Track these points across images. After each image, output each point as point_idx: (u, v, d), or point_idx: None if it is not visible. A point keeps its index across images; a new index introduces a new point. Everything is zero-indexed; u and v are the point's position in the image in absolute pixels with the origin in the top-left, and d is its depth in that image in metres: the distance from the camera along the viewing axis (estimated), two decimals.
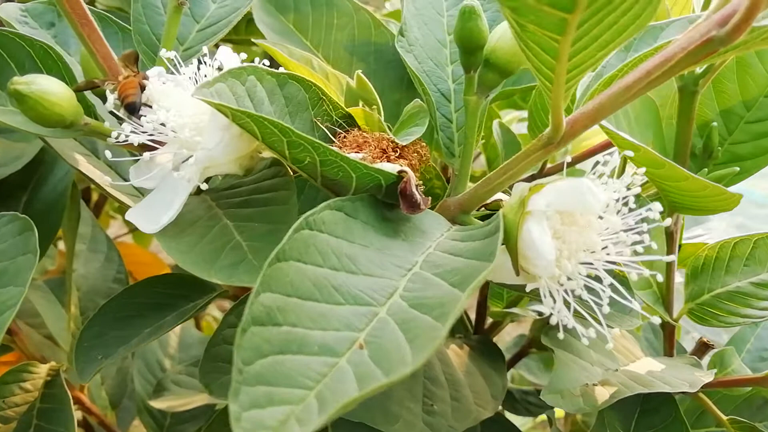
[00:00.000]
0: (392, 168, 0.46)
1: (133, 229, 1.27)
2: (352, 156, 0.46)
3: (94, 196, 1.09)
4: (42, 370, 0.67)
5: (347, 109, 0.52)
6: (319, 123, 0.51)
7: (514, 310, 0.81)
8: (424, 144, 0.51)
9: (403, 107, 0.65)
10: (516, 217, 0.40)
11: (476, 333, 0.84)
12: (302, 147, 0.42)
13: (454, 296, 0.37)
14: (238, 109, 0.41)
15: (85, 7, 0.45)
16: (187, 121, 0.45)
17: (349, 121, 0.53)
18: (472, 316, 0.86)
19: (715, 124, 0.64)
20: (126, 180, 0.56)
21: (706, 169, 0.64)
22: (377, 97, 0.62)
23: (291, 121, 0.49)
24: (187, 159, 0.46)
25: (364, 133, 0.50)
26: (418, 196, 0.45)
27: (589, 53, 0.38)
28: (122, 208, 1.34)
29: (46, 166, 0.72)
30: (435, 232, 0.47)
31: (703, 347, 0.69)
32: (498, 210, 0.56)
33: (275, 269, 0.35)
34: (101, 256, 0.83)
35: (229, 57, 0.47)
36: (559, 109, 0.44)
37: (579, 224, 0.38)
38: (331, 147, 0.43)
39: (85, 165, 0.61)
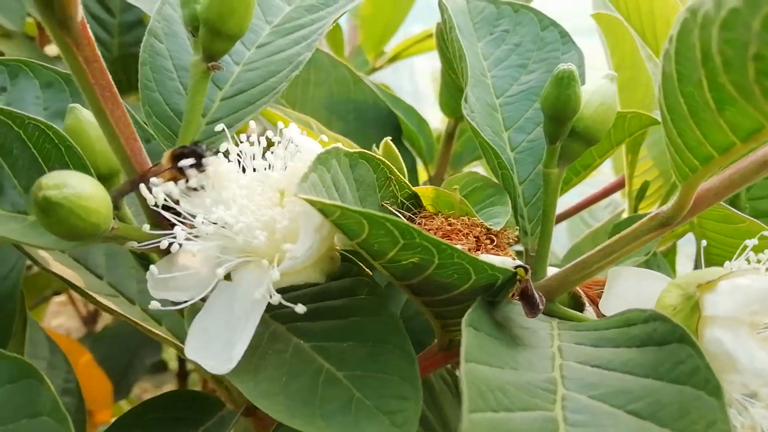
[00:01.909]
0: (506, 263, 0.39)
1: None
2: None
3: None
4: None
5: (413, 188, 0.44)
6: (389, 207, 0.42)
7: None
8: (508, 228, 0.44)
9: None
10: (688, 321, 0.34)
11: None
12: (420, 248, 0.34)
13: None
14: (350, 208, 0.31)
15: (110, 78, 0.34)
16: (253, 221, 0.35)
17: (415, 202, 0.45)
18: None
19: None
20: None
21: None
22: (403, 165, 0.55)
23: (362, 206, 0.40)
24: (245, 265, 0.36)
25: (450, 219, 0.42)
26: (537, 296, 0.38)
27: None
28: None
29: None
30: (541, 332, 0.40)
31: None
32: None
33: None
34: (43, 363, 0.68)
35: (300, 136, 0.38)
36: (694, 189, 0.39)
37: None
38: (457, 247, 0.35)
39: (57, 265, 0.48)
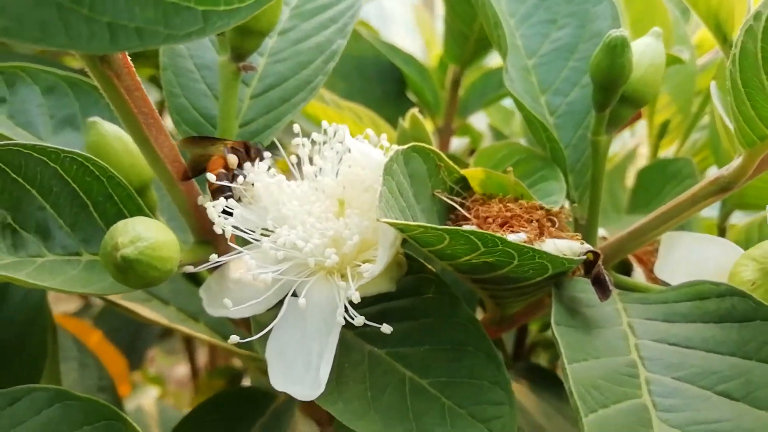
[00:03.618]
0: (573, 248, 0.38)
1: None
2: (512, 238, 0.37)
3: None
4: None
5: (463, 171, 0.43)
6: (441, 196, 0.41)
7: None
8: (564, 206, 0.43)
9: (395, 123, 0.56)
10: None
11: (516, 358, 0.79)
12: (500, 253, 0.33)
13: (759, 418, 0.30)
14: (432, 227, 0.30)
15: (152, 104, 0.32)
16: (322, 241, 0.33)
17: (464, 185, 0.43)
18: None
19: None
20: None
21: None
22: (430, 136, 0.53)
23: (417, 202, 0.39)
24: (316, 282, 0.35)
25: (507, 203, 0.41)
26: (608, 279, 0.38)
27: None
28: None
29: None
30: (606, 308, 0.40)
31: None
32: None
33: None
34: (74, 364, 0.67)
35: (353, 140, 0.36)
36: (759, 156, 0.38)
37: None
38: (521, 244, 0.34)
39: None
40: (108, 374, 0.68)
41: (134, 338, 1.26)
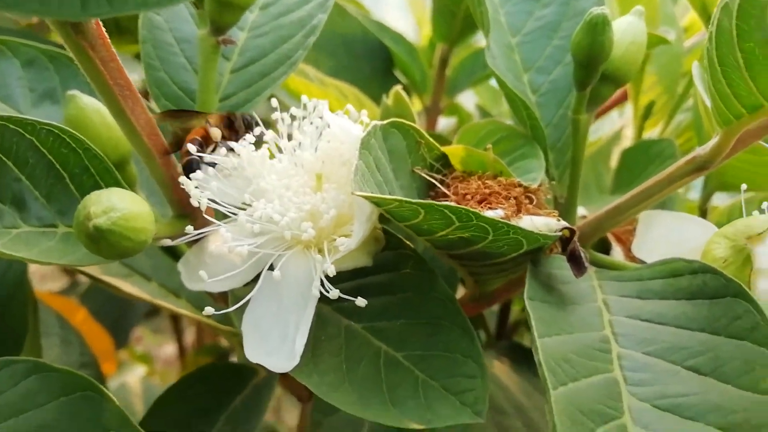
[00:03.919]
0: (550, 225, 0.38)
1: None
2: (489, 214, 0.37)
3: None
4: None
5: (443, 148, 0.43)
6: (420, 173, 0.41)
7: None
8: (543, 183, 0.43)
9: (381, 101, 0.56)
10: (739, 273, 0.34)
11: (499, 337, 0.79)
12: (474, 227, 0.33)
13: (725, 393, 0.31)
14: (407, 200, 0.30)
15: (128, 76, 0.31)
16: (299, 214, 0.34)
17: (445, 162, 0.44)
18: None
19: None
20: None
21: None
22: (414, 114, 0.54)
23: (396, 178, 0.39)
24: (292, 256, 0.35)
25: (486, 180, 0.41)
26: (583, 256, 0.38)
27: None
28: None
29: None
30: (582, 284, 0.40)
31: None
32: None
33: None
34: (56, 340, 0.67)
35: (332, 115, 0.36)
36: (736, 134, 0.38)
37: None
38: (495, 219, 0.34)
39: None
40: (90, 351, 0.68)
41: (120, 316, 1.25)
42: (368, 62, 0.77)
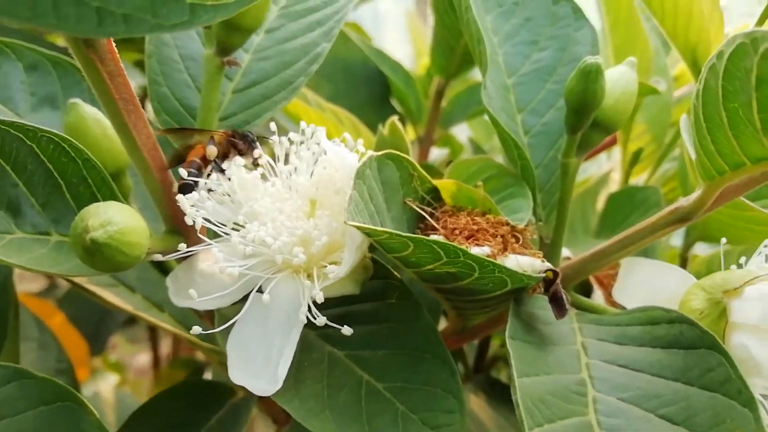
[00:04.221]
0: (534, 265, 0.39)
1: None
2: (476, 251, 0.38)
3: None
4: None
5: (435, 182, 0.44)
6: (411, 204, 0.42)
7: None
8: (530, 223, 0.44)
9: (377, 129, 0.57)
10: (715, 326, 0.35)
11: (477, 371, 0.80)
12: (462, 264, 0.34)
13: None
14: (397, 233, 0.31)
15: (132, 90, 0.32)
16: (291, 240, 0.34)
17: (436, 195, 0.44)
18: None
19: None
20: None
21: None
22: (409, 145, 0.55)
23: (387, 209, 0.39)
24: (281, 280, 0.35)
25: (474, 217, 0.42)
26: (565, 298, 0.39)
27: None
28: None
29: None
30: (563, 327, 0.41)
31: None
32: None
33: None
34: (33, 344, 0.67)
35: (329, 143, 0.36)
36: (718, 189, 0.39)
37: None
38: (482, 257, 0.35)
39: None
40: (67, 357, 0.67)
41: (98, 323, 1.24)
42: (366, 89, 0.78)
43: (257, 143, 0.36)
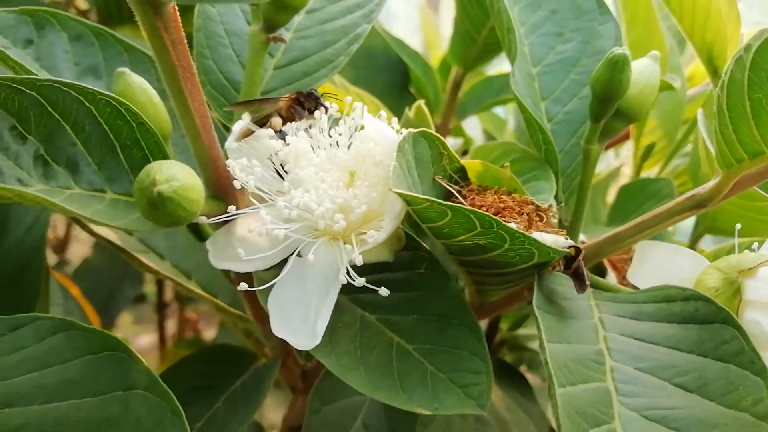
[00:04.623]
0: (558, 242, 0.41)
1: None
2: None
3: None
4: None
5: (462, 162, 0.46)
6: (441, 182, 0.44)
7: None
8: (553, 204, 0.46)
9: (396, 115, 0.59)
10: (729, 303, 0.37)
11: None
12: (493, 235, 0.36)
13: (709, 409, 0.34)
14: (438, 201, 0.33)
15: (191, 59, 0.34)
16: (333, 206, 0.36)
17: (462, 175, 0.46)
18: None
19: None
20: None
21: None
22: (433, 128, 0.56)
23: (421, 183, 0.41)
24: (322, 244, 0.37)
25: (501, 195, 0.44)
26: (585, 274, 0.41)
27: None
28: None
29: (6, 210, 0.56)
30: (581, 302, 0.43)
31: None
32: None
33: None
34: (59, 310, 0.68)
35: (370, 117, 0.38)
36: (735, 177, 0.41)
37: None
38: (519, 230, 0.37)
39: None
40: (90, 322, 0.69)
41: (107, 299, 1.26)
42: (386, 76, 0.80)
43: (321, 100, 0.38)
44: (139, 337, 1.66)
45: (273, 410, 0.97)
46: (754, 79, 0.33)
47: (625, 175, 0.79)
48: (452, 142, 0.92)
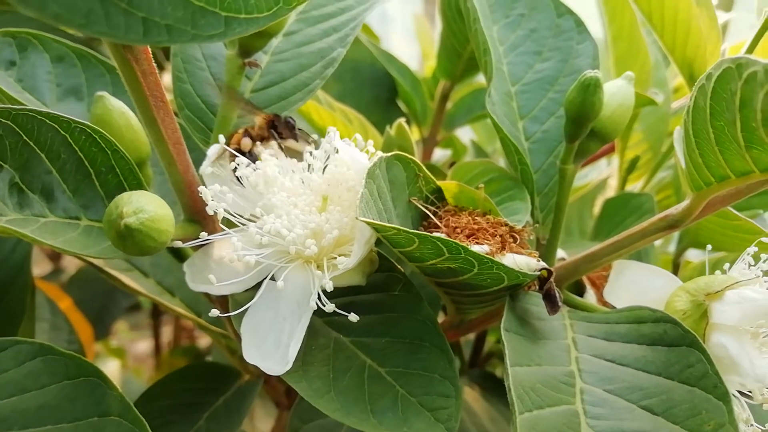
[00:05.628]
0: (530, 264, 0.41)
1: None
2: (475, 248, 0.41)
3: None
4: None
5: (438, 183, 0.46)
6: (416, 203, 0.44)
7: None
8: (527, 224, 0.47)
9: (382, 128, 0.59)
10: (696, 325, 0.38)
11: (472, 366, 0.82)
12: (462, 260, 0.36)
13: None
14: (404, 229, 0.33)
15: (163, 88, 0.34)
16: (304, 232, 0.37)
17: (439, 196, 0.47)
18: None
19: None
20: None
21: None
22: (414, 146, 0.57)
23: (394, 206, 0.42)
24: (293, 269, 0.38)
25: (476, 217, 0.44)
26: (558, 295, 0.42)
27: None
28: None
29: None
30: (555, 323, 0.44)
31: None
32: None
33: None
34: (45, 325, 0.69)
35: (343, 143, 0.39)
36: (705, 199, 0.42)
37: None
38: (481, 254, 0.37)
39: None
40: (78, 338, 0.70)
41: (101, 309, 1.26)
42: (373, 89, 0.81)
43: (296, 129, 0.38)
44: (136, 343, 1.66)
45: (263, 420, 0.98)
46: (716, 107, 0.33)
47: (612, 187, 0.80)
48: (441, 154, 0.93)
